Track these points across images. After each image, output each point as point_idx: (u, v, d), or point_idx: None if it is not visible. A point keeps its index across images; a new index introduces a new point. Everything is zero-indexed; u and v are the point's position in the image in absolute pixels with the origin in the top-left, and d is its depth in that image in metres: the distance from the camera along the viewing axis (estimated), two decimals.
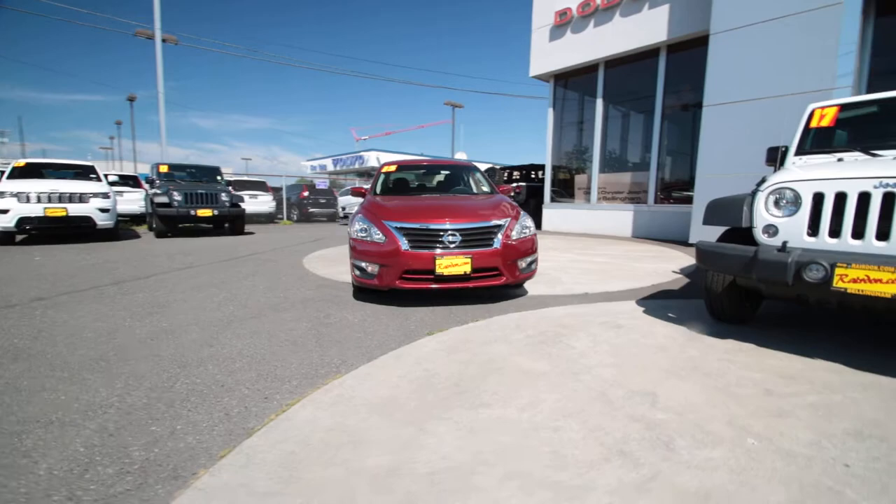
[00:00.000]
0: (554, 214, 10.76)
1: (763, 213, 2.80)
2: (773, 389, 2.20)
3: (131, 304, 3.89)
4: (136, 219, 12.97)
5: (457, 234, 3.69)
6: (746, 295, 3.16)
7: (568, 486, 1.47)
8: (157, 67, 13.11)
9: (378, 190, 5.08)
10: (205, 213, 9.94)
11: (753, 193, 2.93)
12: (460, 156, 47.01)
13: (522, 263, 3.92)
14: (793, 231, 2.66)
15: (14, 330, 3.13)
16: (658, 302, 3.99)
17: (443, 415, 1.96)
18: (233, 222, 10.72)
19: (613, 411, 1.99)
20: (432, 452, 1.67)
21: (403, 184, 5.42)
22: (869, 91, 6.02)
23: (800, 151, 3.67)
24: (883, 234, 2.34)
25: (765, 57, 6.55)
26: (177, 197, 9.74)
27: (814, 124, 3.71)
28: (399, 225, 3.76)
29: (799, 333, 3.07)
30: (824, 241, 2.54)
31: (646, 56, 8.85)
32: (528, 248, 3.96)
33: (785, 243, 2.57)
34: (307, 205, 17.64)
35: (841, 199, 2.50)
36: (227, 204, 10.41)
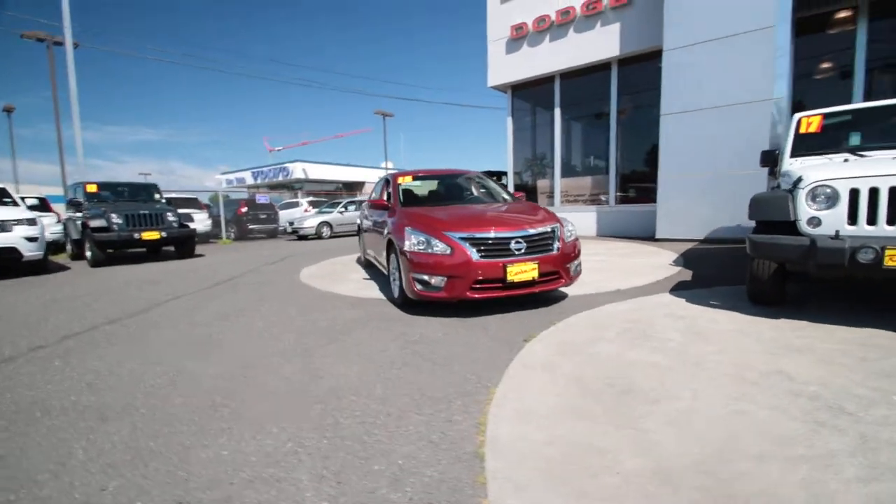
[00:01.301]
0: None
1: (805, 208, 3.26)
2: (865, 356, 2.59)
3: (162, 342, 3.43)
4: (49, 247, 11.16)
5: (522, 241, 3.78)
6: (784, 279, 3.64)
7: (815, 457, 1.64)
8: (67, 68, 11.40)
9: (402, 201, 4.99)
10: (151, 235, 8.89)
11: (792, 191, 3.39)
12: (388, 165, 46.89)
13: (574, 265, 4.11)
14: (833, 222, 3.14)
15: (57, 384, 2.63)
16: (688, 293, 4.40)
17: (635, 413, 2.05)
18: (182, 244, 9.70)
19: (769, 390, 2.22)
20: (680, 447, 1.75)
21: (424, 195, 5.37)
22: (793, 97, 7.17)
23: (795, 154, 4.30)
24: None
25: (712, 71, 7.50)
26: (116, 219, 8.61)
27: (802, 130, 4.37)
28: (465, 235, 3.76)
29: (830, 308, 3.60)
30: (863, 228, 3.04)
31: (599, 69, 9.65)
32: (578, 250, 4.16)
33: (837, 232, 3.04)
34: (246, 221, 16.44)
35: (874, 192, 3.01)
36: (175, 224, 9.42)
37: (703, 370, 2.51)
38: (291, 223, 15.35)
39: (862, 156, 3.80)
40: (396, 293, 4.31)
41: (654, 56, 8.86)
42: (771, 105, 7.05)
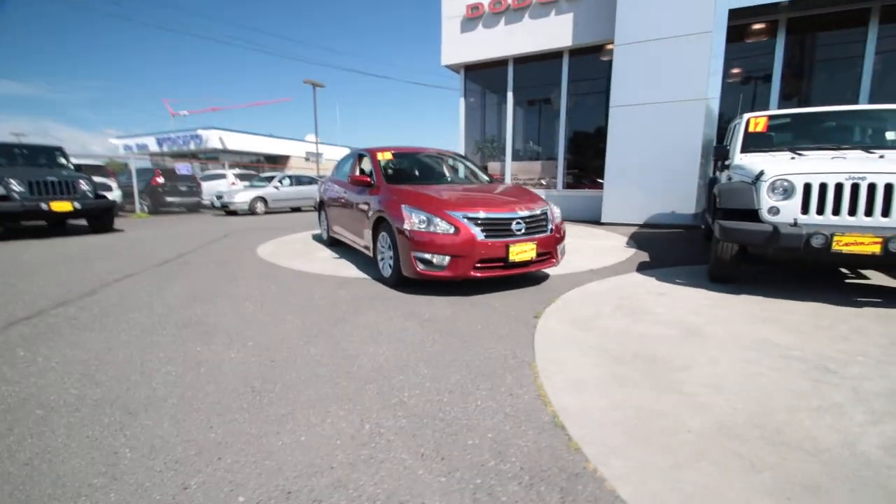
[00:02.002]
0: None
1: (766, 199, 3.75)
2: (819, 325, 3.10)
3: (144, 326, 3.08)
4: None
5: (522, 222, 3.90)
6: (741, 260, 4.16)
7: (829, 407, 1.98)
8: None
9: (387, 179, 4.85)
10: (62, 206, 7.70)
11: (754, 183, 3.87)
12: (310, 138, 44.54)
13: (561, 246, 4.33)
14: (789, 211, 3.66)
15: (40, 376, 2.26)
16: (654, 272, 4.84)
17: (673, 379, 2.28)
18: (98, 218, 8.52)
19: (766, 354, 2.58)
20: (728, 406, 2.00)
21: (406, 172, 5.26)
22: (723, 98, 8.02)
23: (744, 150, 4.88)
24: (852, 211, 3.45)
25: (658, 68, 8.13)
26: (16, 187, 7.32)
27: (751, 129, 4.96)
28: (469, 215, 3.79)
29: (776, 285, 4.19)
30: (814, 217, 3.58)
31: (552, 57, 9.97)
32: (563, 232, 4.38)
33: (796, 220, 3.55)
34: (163, 193, 14.79)
35: (823, 187, 3.55)
36: (90, 194, 8.24)
37: (706, 339, 2.83)
38: (220, 197, 14.12)
39: (801, 154, 4.43)
40: (388, 272, 4.24)
41: (604, 49, 9.37)
42: (705, 104, 7.84)
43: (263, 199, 14.28)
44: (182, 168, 15.16)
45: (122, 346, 2.70)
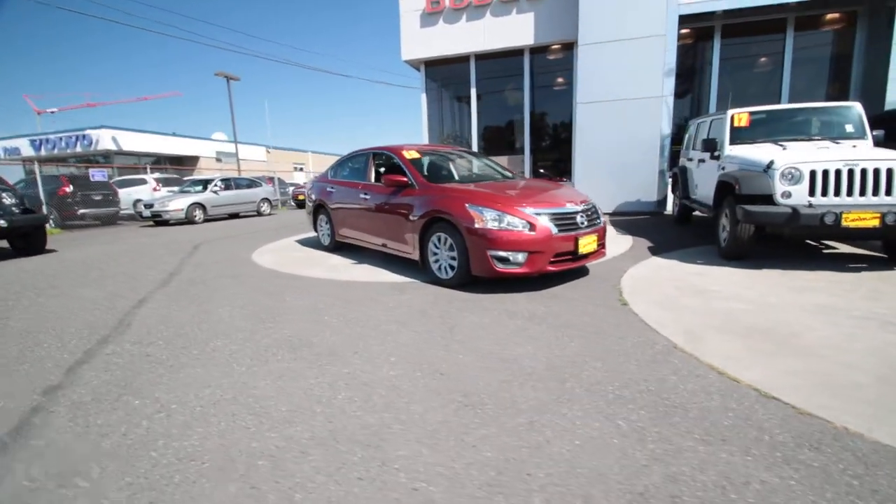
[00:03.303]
0: None
1: (779, 185, 4.34)
2: (846, 289, 3.69)
3: (244, 355, 2.76)
4: None
5: (584, 215, 4.09)
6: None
7: None
8: None
9: (427, 179, 4.76)
10: None
11: (767, 171, 4.44)
12: (218, 136, 41.07)
13: (605, 237, 4.61)
14: (799, 194, 4.28)
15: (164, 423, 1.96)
16: (669, 255, 5.32)
17: (800, 344, 2.61)
18: (29, 237, 7.17)
19: (839, 318, 3.04)
20: (869, 366, 2.35)
21: (440, 171, 5.17)
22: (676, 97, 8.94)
23: (732, 142, 5.54)
24: (851, 192, 4.13)
25: (619, 68, 8.81)
26: None
27: (736, 124, 5.64)
28: (540, 211, 3.88)
29: (782, 259, 4.84)
30: (820, 199, 4.22)
31: (514, 54, 10.30)
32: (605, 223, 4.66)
33: (810, 202, 4.16)
34: (73, 204, 12.76)
35: (826, 173, 4.20)
36: (17, 210, 6.91)
37: (782, 310, 3.24)
38: (150, 206, 12.55)
39: (782, 145, 5.15)
40: (448, 274, 4.19)
41: (565, 48, 9.91)
42: (662, 101, 8.68)
43: (202, 206, 12.98)
44: (97, 174, 13.21)
45: (254, 378, 2.40)
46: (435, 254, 4.34)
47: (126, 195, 14.78)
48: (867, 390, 2.08)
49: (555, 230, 3.84)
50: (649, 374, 2.32)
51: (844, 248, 5.29)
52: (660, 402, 2.05)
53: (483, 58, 10.61)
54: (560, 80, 10.19)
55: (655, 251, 5.59)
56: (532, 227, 3.80)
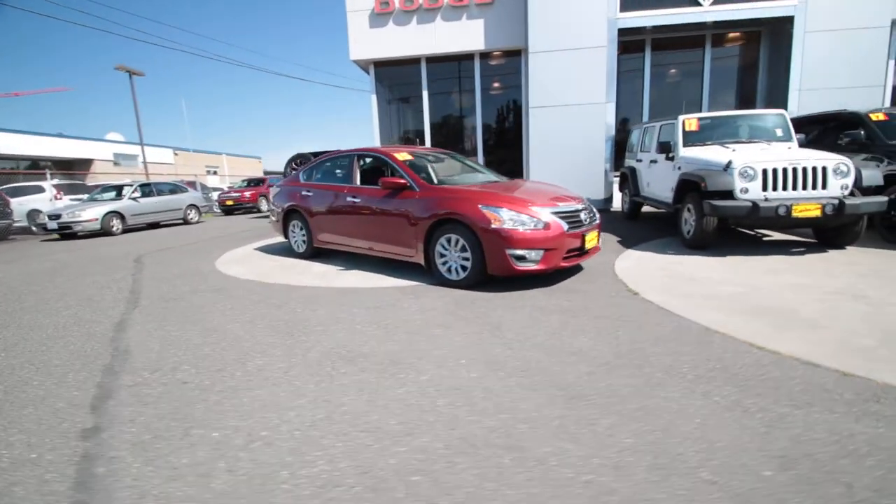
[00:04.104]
0: None
1: (738, 182, 4.94)
2: (808, 271, 4.33)
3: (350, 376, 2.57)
4: None
5: (586, 212, 4.34)
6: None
7: None
8: None
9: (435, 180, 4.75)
10: None
11: (727, 169, 5.03)
12: (113, 136, 37.28)
13: None
14: (754, 190, 4.91)
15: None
16: (643, 247, 5.79)
17: (806, 318, 3.03)
18: None
19: (819, 294, 3.57)
20: (878, 332, 2.80)
21: (435, 172, 5.11)
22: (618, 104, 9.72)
23: (686, 144, 6.18)
24: (795, 187, 4.83)
25: (566, 75, 9.37)
26: None
27: (687, 129, 6.29)
28: (552, 210, 4.05)
29: (736, 247, 5.50)
30: (771, 194, 4.89)
31: (465, 58, 10.49)
32: None
33: (766, 197, 4.79)
34: None
35: (775, 172, 4.87)
36: None
37: (769, 291, 3.70)
38: (55, 216, 10.87)
39: (729, 147, 5.86)
40: (458, 275, 4.21)
41: (514, 54, 10.30)
42: (605, 107, 9.39)
43: (120, 215, 11.55)
44: None
45: (333, 394, 2.24)
46: (443, 255, 4.32)
47: (18, 205, 12.71)
48: (880, 351, 2.48)
49: (566, 227, 4.03)
50: (707, 354, 2.55)
51: (777, 236, 6.15)
52: (733, 377, 2.27)
53: (434, 60, 10.68)
54: (510, 84, 10.58)
55: (626, 245, 6.05)
56: (547, 225, 3.95)
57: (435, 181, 4.81)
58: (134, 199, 12.09)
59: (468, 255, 4.12)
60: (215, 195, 19.91)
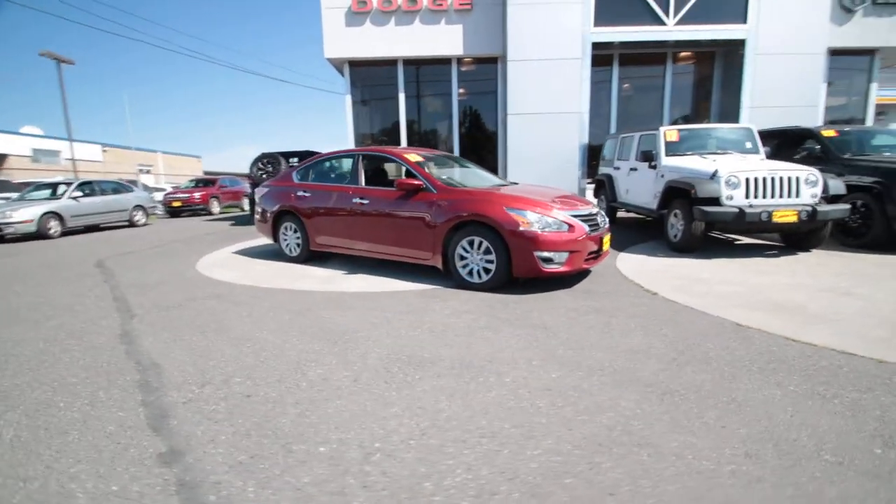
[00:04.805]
0: None
1: (725, 189, 5.36)
2: (790, 272, 4.76)
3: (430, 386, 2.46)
4: None
5: (600, 216, 4.50)
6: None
7: None
8: None
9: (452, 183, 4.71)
10: None
11: (713, 177, 5.43)
12: (30, 129, 33.91)
13: None
14: (738, 198, 5.34)
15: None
16: (633, 250, 6.10)
17: (818, 313, 3.34)
18: None
19: (820, 289, 3.94)
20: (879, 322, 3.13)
21: (448, 174, 5.07)
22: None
23: (668, 154, 6.59)
24: (773, 195, 5.31)
25: (543, 84, 9.67)
26: None
27: (668, 140, 6.71)
28: (573, 213, 4.16)
29: (716, 251, 5.93)
30: (753, 201, 5.34)
31: (442, 62, 10.51)
32: None
33: (750, 204, 5.22)
34: None
35: (756, 180, 5.33)
36: None
37: (771, 289, 4.04)
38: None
39: (707, 157, 6.33)
40: (481, 278, 4.21)
41: (492, 61, 10.48)
42: (579, 116, 9.81)
43: (59, 216, 10.39)
44: None
45: (422, 402, 2.16)
46: (464, 258, 4.30)
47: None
48: (895, 341, 2.79)
49: (587, 230, 4.16)
50: (757, 348, 2.74)
51: (746, 240, 6.72)
52: (788, 368, 2.46)
53: (411, 63, 10.62)
54: (487, 90, 10.74)
55: (619, 248, 6.33)
56: (571, 227, 4.05)
57: (452, 183, 4.79)
58: (74, 198, 10.93)
59: (492, 257, 4.13)
60: (159, 196, 18.46)
